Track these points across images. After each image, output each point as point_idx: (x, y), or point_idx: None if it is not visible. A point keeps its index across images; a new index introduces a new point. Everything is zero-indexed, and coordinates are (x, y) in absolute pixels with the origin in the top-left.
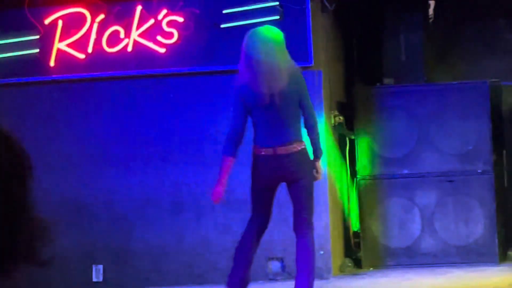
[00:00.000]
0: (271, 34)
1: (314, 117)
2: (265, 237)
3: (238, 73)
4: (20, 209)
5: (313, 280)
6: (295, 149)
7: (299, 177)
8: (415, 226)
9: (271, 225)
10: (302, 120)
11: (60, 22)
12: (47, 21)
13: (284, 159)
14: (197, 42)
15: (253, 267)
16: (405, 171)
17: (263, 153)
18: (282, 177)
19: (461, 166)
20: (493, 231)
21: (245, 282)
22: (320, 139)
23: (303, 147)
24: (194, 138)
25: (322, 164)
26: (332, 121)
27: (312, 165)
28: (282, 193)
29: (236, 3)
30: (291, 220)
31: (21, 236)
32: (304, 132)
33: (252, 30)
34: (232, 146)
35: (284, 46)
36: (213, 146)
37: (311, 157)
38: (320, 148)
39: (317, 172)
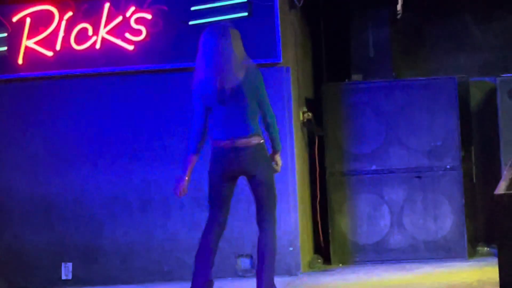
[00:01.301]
0: (227, 30)
1: (271, 112)
2: (234, 234)
3: (195, 71)
4: None
5: (271, 274)
6: (253, 143)
7: (257, 171)
8: (384, 222)
9: (240, 222)
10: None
11: (28, 20)
12: (15, 19)
13: (242, 151)
14: (166, 39)
15: (223, 264)
16: (374, 167)
17: (221, 145)
18: (240, 170)
19: (429, 162)
20: (462, 226)
21: (210, 283)
22: (277, 134)
23: (262, 141)
24: (163, 135)
25: (281, 157)
26: (301, 118)
27: (271, 158)
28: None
29: (204, 0)
30: None
31: None
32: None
33: (209, 26)
34: (196, 145)
35: (240, 42)
36: (181, 144)
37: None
38: (278, 143)
39: (276, 164)
